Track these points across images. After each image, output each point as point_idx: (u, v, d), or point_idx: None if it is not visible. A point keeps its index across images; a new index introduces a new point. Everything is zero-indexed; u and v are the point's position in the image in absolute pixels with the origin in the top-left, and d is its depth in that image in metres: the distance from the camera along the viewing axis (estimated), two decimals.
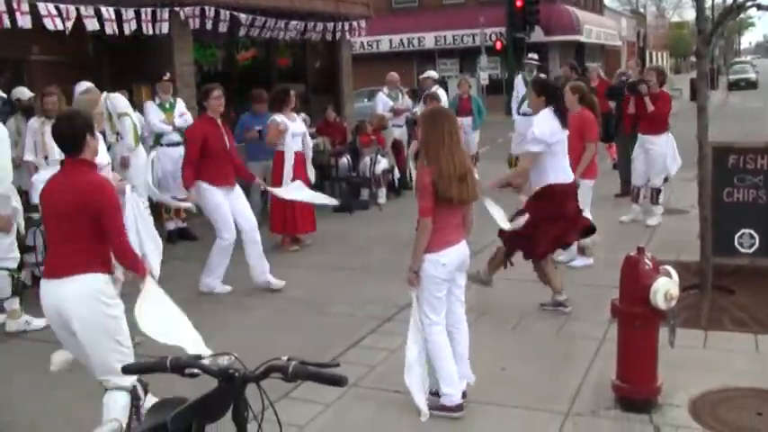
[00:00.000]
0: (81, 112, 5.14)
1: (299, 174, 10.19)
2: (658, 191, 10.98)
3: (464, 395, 5.41)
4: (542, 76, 14.72)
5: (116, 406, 4.78)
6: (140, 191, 9.74)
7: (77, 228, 4.66)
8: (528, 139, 7.25)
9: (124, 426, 4.60)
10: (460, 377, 5.41)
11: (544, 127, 7.06)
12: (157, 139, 10.69)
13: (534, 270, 7.50)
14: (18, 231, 7.77)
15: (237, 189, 8.74)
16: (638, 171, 11.15)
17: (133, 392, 4.85)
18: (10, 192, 7.25)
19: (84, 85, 9.20)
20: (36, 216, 8.22)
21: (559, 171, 7.21)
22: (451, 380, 5.27)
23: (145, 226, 6.23)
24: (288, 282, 8.85)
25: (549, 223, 7.16)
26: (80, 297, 4.63)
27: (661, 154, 10.84)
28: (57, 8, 10.02)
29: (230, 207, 8.55)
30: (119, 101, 9.77)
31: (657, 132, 10.86)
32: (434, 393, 5.40)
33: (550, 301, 7.44)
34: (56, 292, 4.67)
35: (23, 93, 9.88)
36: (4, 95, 8.17)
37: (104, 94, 9.84)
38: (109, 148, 9.22)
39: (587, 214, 8.79)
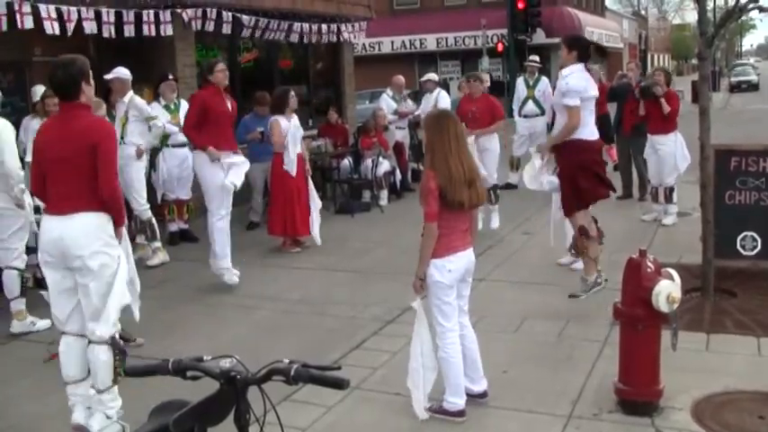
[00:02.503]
0: (77, 58, 5.13)
1: (299, 175, 10.19)
2: (671, 189, 11.05)
3: (485, 394, 5.46)
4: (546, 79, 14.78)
5: (96, 361, 5.06)
6: (135, 194, 9.75)
7: (79, 169, 4.90)
8: (563, 92, 7.27)
9: (110, 382, 5.07)
10: (476, 379, 5.43)
11: (578, 79, 7.11)
12: (164, 140, 10.69)
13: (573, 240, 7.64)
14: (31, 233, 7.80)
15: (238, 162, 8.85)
16: (653, 171, 11.28)
17: (114, 344, 5.08)
18: (23, 186, 7.34)
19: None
20: (37, 217, 8.22)
21: (584, 127, 7.26)
22: (458, 391, 5.25)
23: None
24: (289, 283, 8.87)
25: (572, 179, 7.29)
26: (83, 232, 4.90)
27: (670, 153, 10.93)
28: (57, 10, 10.02)
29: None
30: (142, 109, 9.80)
31: (666, 132, 10.96)
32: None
33: (581, 286, 7.46)
34: (59, 226, 4.92)
35: (36, 94, 9.78)
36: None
37: (129, 94, 9.85)
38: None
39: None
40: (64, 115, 5.01)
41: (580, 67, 7.23)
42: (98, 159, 4.92)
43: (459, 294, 5.31)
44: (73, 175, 4.94)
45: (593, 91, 7.30)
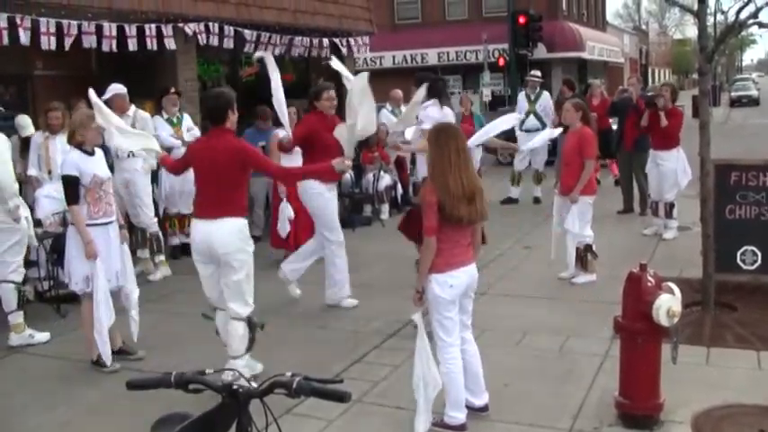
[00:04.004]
0: (225, 91, 6.29)
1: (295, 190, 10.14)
2: (672, 205, 11.09)
3: (486, 408, 5.46)
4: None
5: (235, 334, 6.11)
6: (145, 208, 9.82)
7: (226, 181, 5.96)
8: (425, 122, 7.68)
9: (244, 350, 6.14)
10: (478, 393, 5.43)
11: (433, 111, 7.61)
12: None
13: None
14: (28, 246, 7.81)
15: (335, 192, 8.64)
16: (654, 186, 11.32)
17: (249, 323, 6.15)
18: (18, 201, 7.40)
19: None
20: (39, 231, 8.25)
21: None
22: (458, 405, 5.25)
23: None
24: (291, 297, 8.85)
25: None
26: (227, 233, 5.96)
27: (672, 169, 10.97)
28: (57, 24, 10.05)
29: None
30: (147, 122, 9.82)
31: (668, 148, 11.02)
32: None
33: None
34: (208, 229, 5.99)
35: (22, 128, 9.59)
36: (2, 109, 8.19)
37: (132, 108, 9.88)
38: (113, 166, 9.25)
39: (588, 231, 8.84)
40: (214, 136, 6.10)
41: (434, 101, 7.66)
42: (257, 167, 6.28)
43: (462, 309, 5.31)
44: (220, 186, 5.97)
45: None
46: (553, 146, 14.73)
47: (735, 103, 52.05)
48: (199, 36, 12.27)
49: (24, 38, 9.68)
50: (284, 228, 9.61)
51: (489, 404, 5.49)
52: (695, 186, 8.49)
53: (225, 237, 5.94)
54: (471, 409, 5.36)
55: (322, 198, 8.31)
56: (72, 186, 6.58)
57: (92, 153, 6.75)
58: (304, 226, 10.34)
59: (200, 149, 6.23)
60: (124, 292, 6.90)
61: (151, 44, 11.41)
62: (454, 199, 4.99)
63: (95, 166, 6.71)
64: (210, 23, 12.45)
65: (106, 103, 9.58)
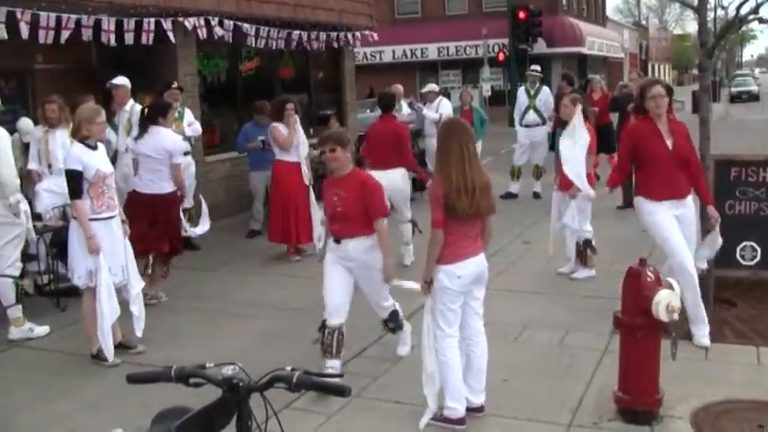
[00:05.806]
0: (389, 91, 10.64)
1: (296, 183, 10.17)
2: None
3: (482, 409, 5.43)
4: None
5: (406, 232, 9.68)
6: None
7: (393, 147, 9.38)
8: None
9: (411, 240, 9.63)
10: (476, 391, 5.42)
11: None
12: None
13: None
14: (26, 240, 7.80)
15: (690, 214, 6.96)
16: None
17: (413, 223, 9.63)
18: (19, 196, 7.40)
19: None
20: (39, 225, 8.24)
21: (146, 181, 8.35)
22: (457, 395, 5.24)
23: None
24: (290, 292, 8.87)
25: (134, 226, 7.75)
26: (400, 178, 9.56)
27: None
28: (57, 18, 10.04)
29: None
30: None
31: None
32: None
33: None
34: (386, 176, 8.59)
35: (24, 133, 9.58)
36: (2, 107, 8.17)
37: (131, 102, 9.86)
38: (114, 160, 9.23)
39: (588, 226, 8.84)
40: (385, 119, 9.73)
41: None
42: (402, 144, 9.53)
43: (472, 297, 5.34)
44: (392, 149, 9.36)
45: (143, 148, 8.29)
46: (552, 141, 14.72)
47: (735, 98, 51.92)
48: (199, 30, 12.27)
49: (25, 31, 9.67)
50: (316, 230, 9.83)
51: (486, 405, 5.44)
52: None
53: (397, 180, 9.38)
54: (466, 409, 5.34)
55: (654, 216, 6.90)
56: (75, 180, 6.57)
57: (95, 147, 6.74)
58: (304, 222, 10.36)
59: (379, 127, 9.77)
60: (127, 287, 6.90)
61: (150, 38, 11.38)
62: (459, 192, 5.03)
63: (98, 160, 6.70)
64: (210, 17, 12.44)
65: (108, 91, 9.64)
